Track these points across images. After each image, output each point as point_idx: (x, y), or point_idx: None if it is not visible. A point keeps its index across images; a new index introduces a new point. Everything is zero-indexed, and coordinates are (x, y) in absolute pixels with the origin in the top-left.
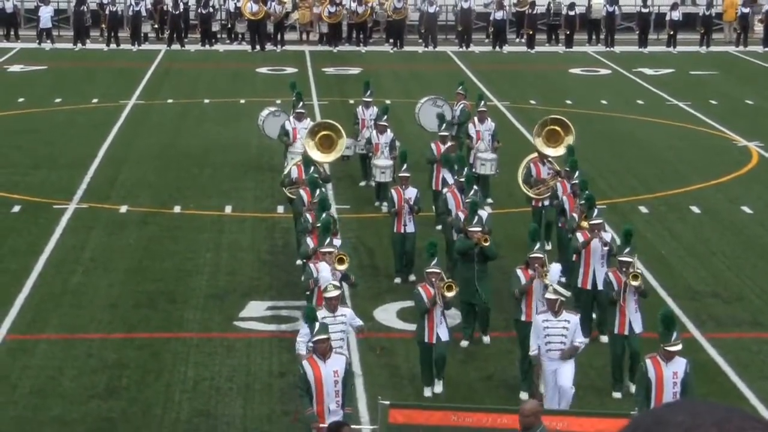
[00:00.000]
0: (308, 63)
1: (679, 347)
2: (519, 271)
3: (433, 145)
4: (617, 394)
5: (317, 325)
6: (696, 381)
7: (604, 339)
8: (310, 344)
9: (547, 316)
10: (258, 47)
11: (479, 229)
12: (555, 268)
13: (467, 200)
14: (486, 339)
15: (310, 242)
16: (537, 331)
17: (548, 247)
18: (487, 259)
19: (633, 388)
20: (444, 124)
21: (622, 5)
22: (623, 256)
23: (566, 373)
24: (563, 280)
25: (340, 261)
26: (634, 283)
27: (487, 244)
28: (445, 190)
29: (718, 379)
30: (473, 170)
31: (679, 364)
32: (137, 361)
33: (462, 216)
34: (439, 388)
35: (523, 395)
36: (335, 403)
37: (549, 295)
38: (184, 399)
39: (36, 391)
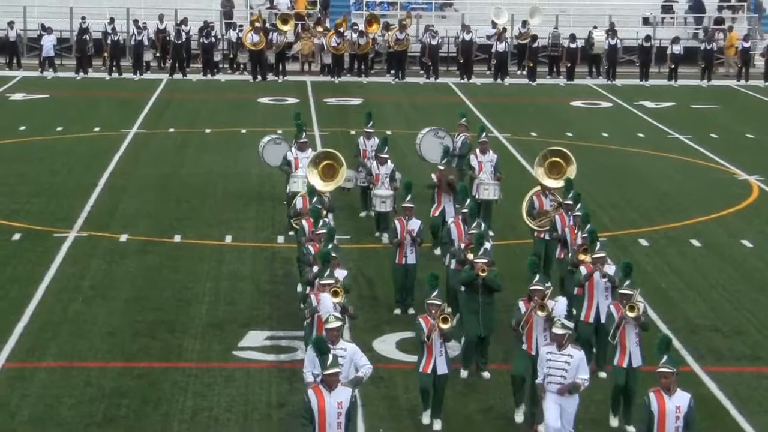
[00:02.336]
0: (310, 93)
1: (668, 369)
2: (521, 303)
3: (433, 176)
4: (613, 422)
5: (330, 357)
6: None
7: (603, 375)
8: (316, 374)
9: (552, 348)
10: (259, 77)
11: (485, 260)
12: (562, 303)
13: (471, 232)
14: (486, 374)
15: (315, 268)
16: (541, 366)
17: (548, 285)
18: (492, 291)
19: (629, 429)
20: (446, 157)
21: (623, 39)
22: (624, 289)
23: (568, 412)
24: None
25: (335, 294)
26: (630, 314)
27: (483, 274)
28: (450, 220)
29: (718, 413)
30: (475, 197)
31: (683, 399)
32: (136, 391)
33: (464, 246)
34: (437, 425)
35: (519, 418)
36: None
37: (557, 330)
38: (183, 429)
39: (34, 420)
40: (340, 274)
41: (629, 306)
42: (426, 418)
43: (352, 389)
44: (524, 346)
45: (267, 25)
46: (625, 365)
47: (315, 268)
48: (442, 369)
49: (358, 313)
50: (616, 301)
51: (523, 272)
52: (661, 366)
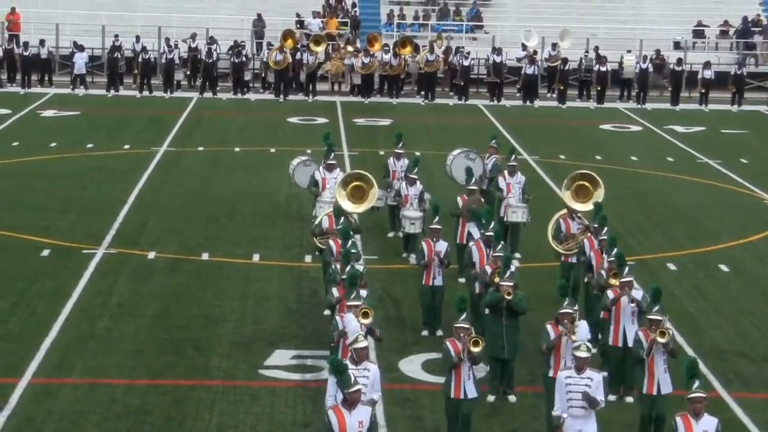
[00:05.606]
0: (339, 113)
1: (702, 394)
2: (549, 327)
3: (459, 199)
4: None
5: (351, 376)
6: None
7: (630, 399)
8: (337, 396)
9: (571, 372)
10: (281, 97)
11: (510, 283)
12: (583, 326)
13: (496, 254)
14: (512, 398)
15: (335, 292)
16: (560, 391)
17: (576, 308)
18: (516, 314)
19: None
20: (472, 179)
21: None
22: (653, 315)
23: None
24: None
25: (365, 315)
26: (661, 340)
27: (509, 297)
28: (471, 243)
29: None
30: (504, 219)
31: (710, 423)
32: (161, 408)
33: (489, 270)
34: None
35: None
36: None
37: (582, 354)
38: None
39: None
40: (362, 293)
41: (660, 332)
42: None
43: (372, 408)
44: (551, 373)
45: (298, 45)
46: (654, 392)
47: (335, 291)
48: (471, 392)
49: (384, 333)
50: (644, 327)
51: (549, 295)
52: (695, 391)
